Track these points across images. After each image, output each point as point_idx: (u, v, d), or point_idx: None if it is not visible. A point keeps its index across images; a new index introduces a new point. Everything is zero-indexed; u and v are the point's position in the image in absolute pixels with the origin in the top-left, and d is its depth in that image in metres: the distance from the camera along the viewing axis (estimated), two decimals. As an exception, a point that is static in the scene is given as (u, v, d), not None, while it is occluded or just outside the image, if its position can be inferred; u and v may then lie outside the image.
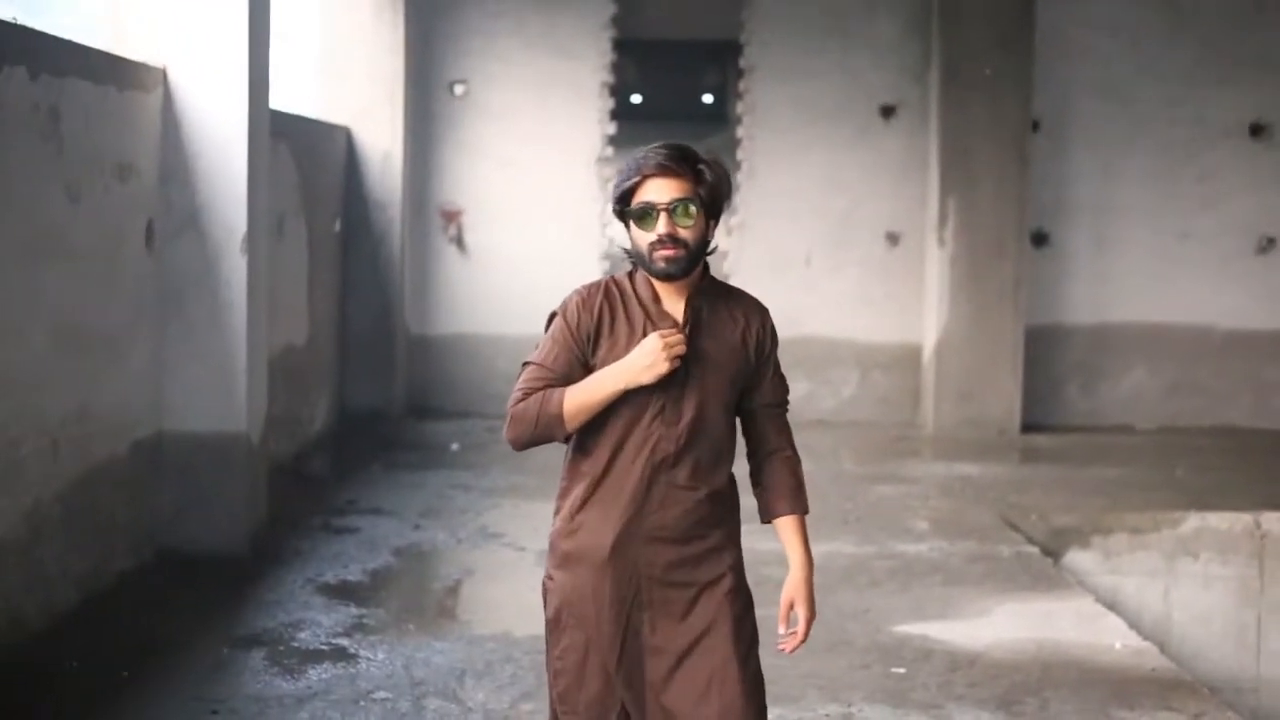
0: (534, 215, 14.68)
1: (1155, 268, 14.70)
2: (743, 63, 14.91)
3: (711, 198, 4.02)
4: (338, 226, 13.45)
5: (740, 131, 14.99)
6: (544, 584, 4.18)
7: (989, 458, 12.74)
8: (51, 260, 7.17)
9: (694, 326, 4.06)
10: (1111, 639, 7.76)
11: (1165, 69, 14.58)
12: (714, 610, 4.04)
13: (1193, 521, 10.72)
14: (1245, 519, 10.73)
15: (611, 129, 14.81)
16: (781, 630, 4.18)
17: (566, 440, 4.08)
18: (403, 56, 13.87)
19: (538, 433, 4.02)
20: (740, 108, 15.05)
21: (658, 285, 4.07)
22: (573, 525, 4.08)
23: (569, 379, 4.02)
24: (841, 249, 14.52)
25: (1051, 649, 7.51)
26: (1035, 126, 14.28)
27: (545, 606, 4.16)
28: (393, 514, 10.18)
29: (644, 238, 3.99)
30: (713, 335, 4.09)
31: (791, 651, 4.15)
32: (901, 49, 14.53)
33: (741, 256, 14.71)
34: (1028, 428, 14.05)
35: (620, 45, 14.87)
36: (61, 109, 7.17)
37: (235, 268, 8.71)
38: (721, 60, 28.86)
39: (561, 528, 4.12)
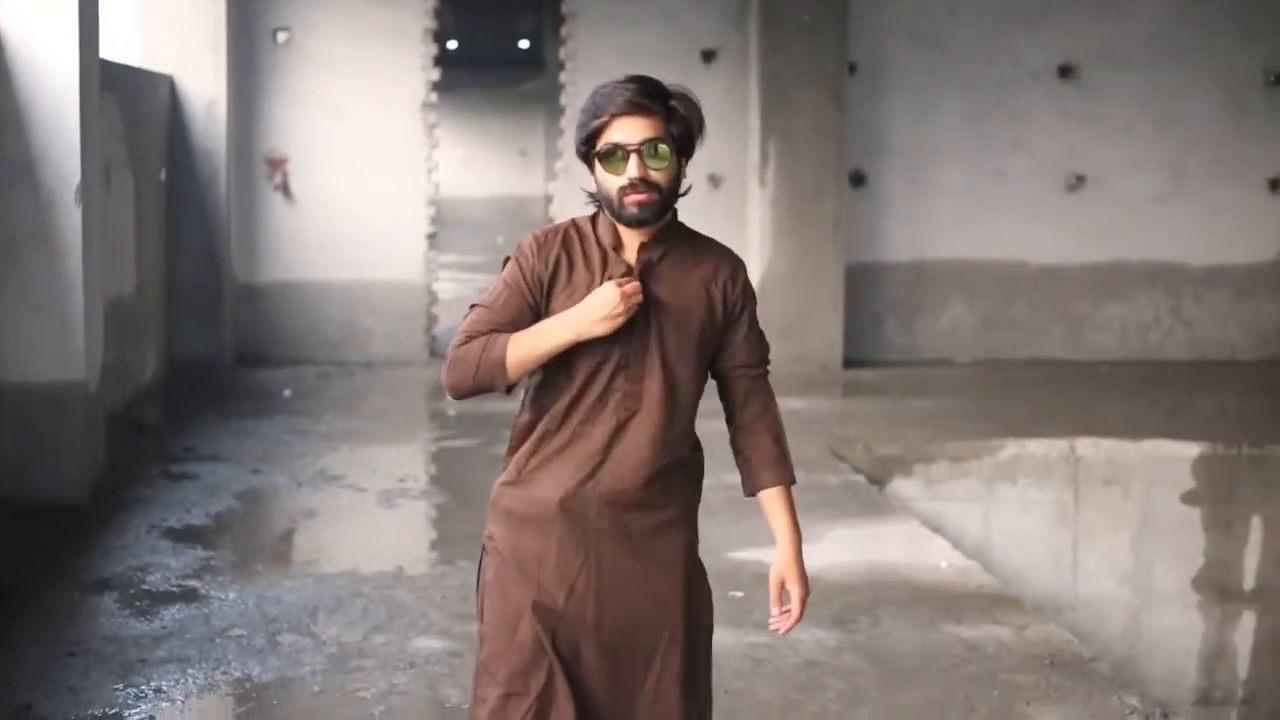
0: (360, 162, 14.72)
1: (969, 207, 15.12)
2: (564, 9, 15.05)
3: (684, 136, 3.74)
4: (163, 176, 13.40)
5: (563, 77, 15.15)
6: (483, 543, 3.91)
7: (814, 392, 13.06)
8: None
9: (647, 273, 3.78)
10: (938, 559, 8.13)
11: (977, 13, 14.98)
12: (664, 636, 3.81)
13: (1010, 449, 11.13)
14: (1060, 445, 11.17)
15: (435, 75, 14.88)
16: (774, 611, 3.92)
17: (507, 391, 3.78)
18: (224, 4, 13.84)
19: (478, 380, 3.74)
20: (562, 53, 15.20)
21: (622, 231, 3.79)
22: (519, 479, 3.82)
23: (517, 326, 3.75)
24: (665, 191, 14.72)
25: (882, 570, 7.84)
26: (852, 70, 14.61)
27: (481, 567, 3.91)
28: (231, 460, 10.25)
29: (612, 181, 3.71)
30: (674, 285, 3.81)
31: (786, 632, 3.96)
32: (721, -6, 14.78)
33: (565, 199, 14.89)
34: (850, 363, 14.40)
35: (438, -10, 14.94)
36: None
37: (70, 217, 8.73)
38: (537, 5, 28.84)
39: (507, 483, 3.85)
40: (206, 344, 13.93)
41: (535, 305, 3.77)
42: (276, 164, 14.68)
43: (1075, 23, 15.07)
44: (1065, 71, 15.10)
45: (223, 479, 9.69)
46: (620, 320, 3.66)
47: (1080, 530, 11.16)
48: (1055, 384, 13.77)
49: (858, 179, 14.93)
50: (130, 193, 11.99)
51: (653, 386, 3.77)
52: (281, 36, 14.60)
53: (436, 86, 14.91)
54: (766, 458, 3.91)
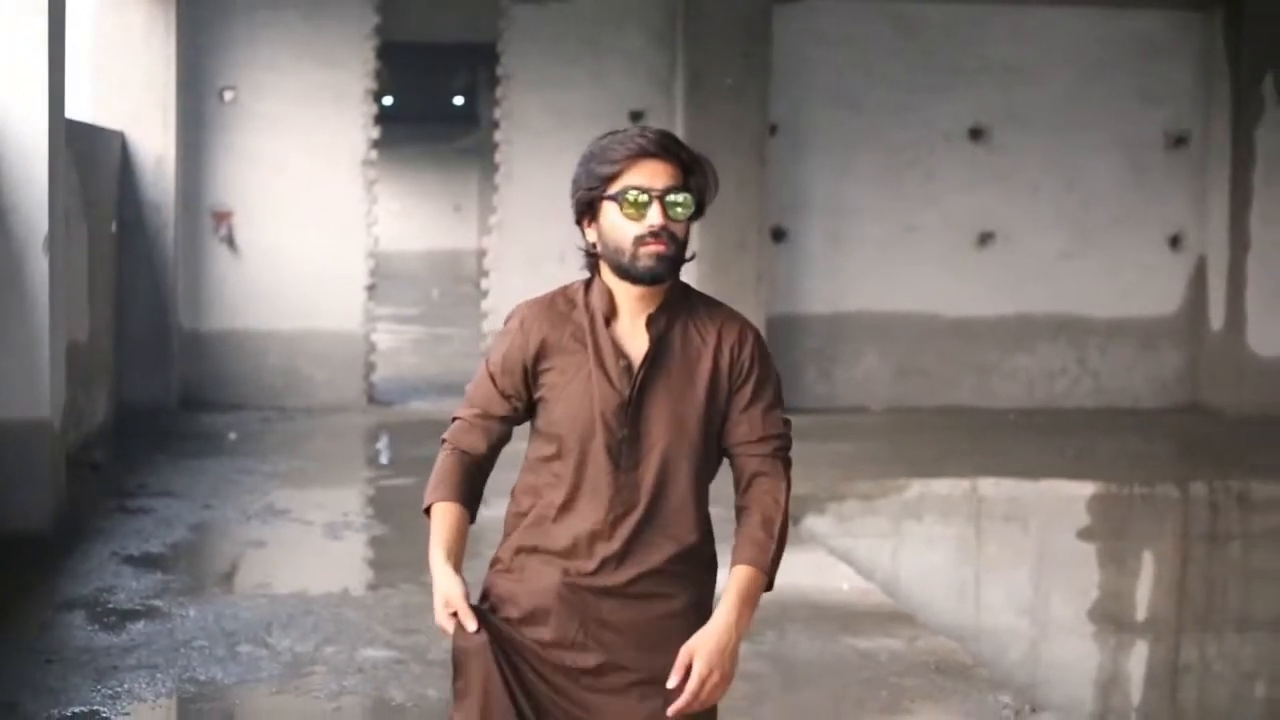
0: (302, 216, 15.34)
1: (885, 261, 15.84)
2: (500, 70, 15.72)
3: (700, 195, 3.53)
4: (114, 227, 14.01)
5: (498, 135, 15.80)
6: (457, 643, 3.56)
7: (734, 437, 13.65)
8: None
9: (657, 352, 3.55)
10: (840, 582, 8.85)
11: (891, 78, 15.74)
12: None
13: (916, 488, 11.82)
14: (963, 484, 11.87)
15: (375, 133, 15.54)
16: (671, 683, 3.47)
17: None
18: (174, 64, 14.47)
19: None
20: (498, 113, 15.86)
21: (619, 297, 3.54)
22: (509, 568, 3.64)
23: (489, 414, 3.62)
24: (595, 246, 15.39)
25: (788, 591, 8.50)
26: (773, 131, 15.34)
27: (455, 666, 3.58)
28: (182, 496, 10.86)
29: (628, 230, 3.45)
30: (679, 360, 3.56)
31: (674, 714, 3.51)
32: (649, 59, 15.49)
33: (501, 254, 15.53)
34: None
35: (377, 49, 15.62)
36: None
37: (38, 266, 9.35)
38: (471, 62, 29.47)
39: (499, 570, 3.66)
40: (154, 389, 14.51)
41: (516, 390, 3.59)
42: (222, 217, 15.29)
43: (985, 87, 15.85)
44: (975, 133, 15.88)
45: (176, 513, 10.30)
46: (445, 627, 3.49)
47: (982, 564, 11.83)
48: (963, 430, 14.44)
49: (779, 234, 15.65)
50: (84, 243, 12.59)
51: (647, 478, 3.55)
52: (228, 95, 15.23)
53: (375, 143, 15.58)
54: (747, 538, 3.58)
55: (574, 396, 3.53)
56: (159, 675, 6.85)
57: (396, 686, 6.76)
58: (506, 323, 3.65)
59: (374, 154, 15.54)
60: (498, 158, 15.79)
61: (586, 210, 3.53)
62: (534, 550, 3.58)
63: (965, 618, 11.74)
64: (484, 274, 15.88)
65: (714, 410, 3.58)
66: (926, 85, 15.82)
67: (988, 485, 11.90)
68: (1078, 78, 15.98)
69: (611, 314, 3.54)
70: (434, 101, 37.04)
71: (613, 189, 3.45)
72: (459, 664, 3.53)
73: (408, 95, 33.28)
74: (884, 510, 11.76)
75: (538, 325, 3.56)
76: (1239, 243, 15.56)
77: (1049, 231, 15.99)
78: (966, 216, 15.92)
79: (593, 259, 3.55)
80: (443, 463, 3.63)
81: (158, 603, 8.04)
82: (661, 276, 3.47)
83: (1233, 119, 15.57)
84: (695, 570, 3.63)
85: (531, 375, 3.57)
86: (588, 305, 3.55)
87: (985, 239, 15.95)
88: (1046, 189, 16.00)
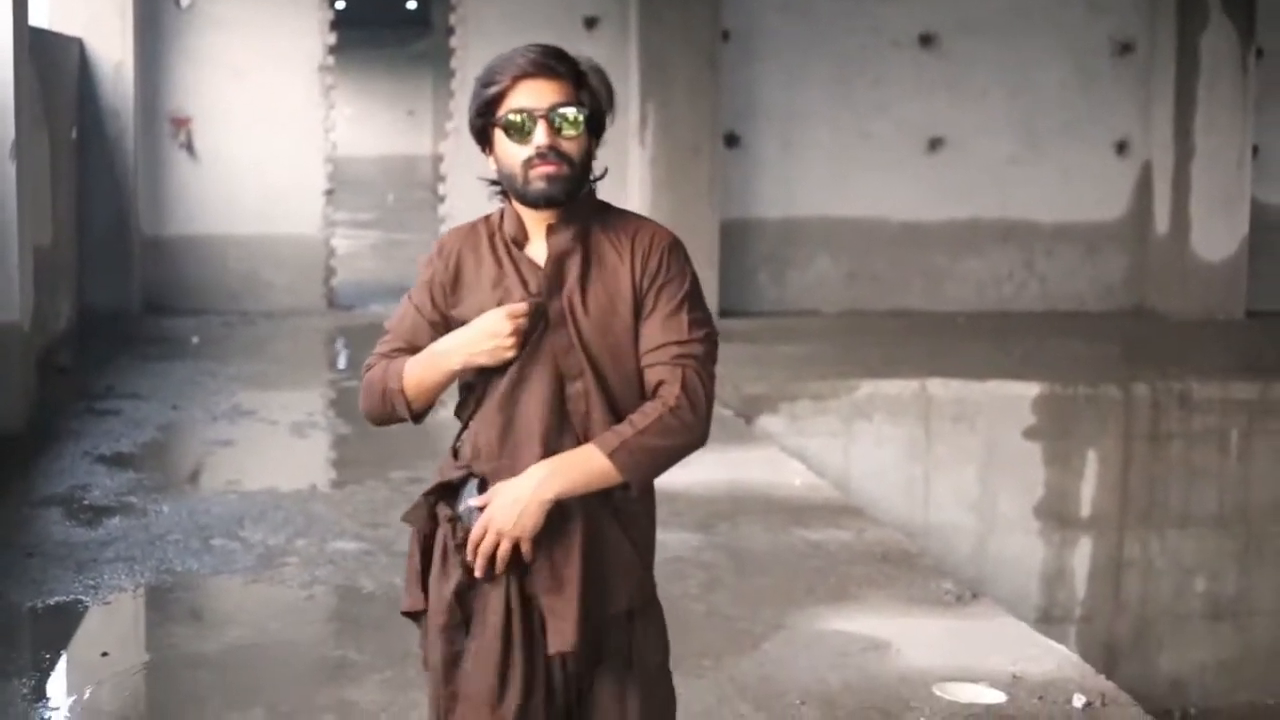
0: (260, 122, 15.48)
1: (836, 166, 16.05)
2: (451, -26, 15.87)
3: (595, 107, 3.37)
4: (74, 134, 14.13)
5: (454, 41, 15.92)
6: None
7: (689, 340, 13.89)
8: None
9: (559, 269, 3.36)
10: (792, 478, 9.15)
11: (842, -16, 15.94)
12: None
13: (867, 388, 12.08)
14: (913, 385, 12.14)
15: (331, 39, 15.66)
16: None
17: (416, 421, 3.48)
18: (131, -31, 14.58)
19: (385, 410, 3.46)
20: (453, 18, 15.96)
21: (528, 219, 3.38)
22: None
23: (416, 345, 3.43)
24: (550, 151, 15.55)
25: (742, 486, 8.85)
26: (726, 37, 15.49)
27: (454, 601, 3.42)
28: (149, 398, 11.08)
29: (516, 154, 3.31)
30: (593, 276, 3.37)
31: (472, 546, 3.30)
32: (603, -35, 15.65)
33: (457, 160, 15.68)
34: (723, 313, 15.20)
35: (326, -51, 15.73)
36: None
37: (4, 173, 9.53)
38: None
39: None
40: (116, 294, 14.69)
41: (441, 318, 3.43)
42: (180, 123, 15.42)
43: (934, -6, 16.06)
44: (925, 40, 16.06)
45: (144, 414, 10.52)
46: (508, 354, 3.31)
47: (930, 463, 12.12)
48: (913, 333, 14.68)
49: (731, 140, 15.83)
50: (45, 150, 12.72)
51: (591, 386, 3.34)
52: (185, 1, 15.31)
53: (331, 49, 15.69)
54: (613, 429, 3.30)
55: None
56: (136, 567, 7.11)
57: (366, 576, 7.03)
58: (428, 253, 3.52)
59: (330, 60, 15.66)
60: (453, 63, 15.90)
61: (482, 137, 3.39)
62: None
63: (915, 514, 12.02)
64: (440, 179, 16.04)
65: (636, 324, 3.37)
66: (877, -10, 15.99)
67: (936, 385, 12.16)
68: (1027, -16, 16.18)
69: (523, 238, 3.40)
70: (387, 4, 36.86)
71: (498, 114, 3.32)
72: (458, 602, 3.40)
73: (360, -1, 33.14)
74: (835, 410, 12.02)
75: (456, 251, 3.44)
76: (1184, 149, 15.83)
77: (998, 137, 16.21)
78: (916, 122, 16.11)
79: (498, 186, 3.41)
80: (380, 366, 3.47)
81: (132, 499, 8.29)
82: (556, 198, 3.31)
83: (1178, 27, 15.80)
84: (635, 505, 3.41)
85: (451, 300, 3.42)
86: (501, 230, 3.42)
87: (935, 144, 16.16)
88: (995, 95, 16.19)
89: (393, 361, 3.43)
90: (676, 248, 3.43)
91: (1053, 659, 6.14)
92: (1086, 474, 12.34)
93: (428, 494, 3.46)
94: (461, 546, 3.36)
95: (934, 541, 11.85)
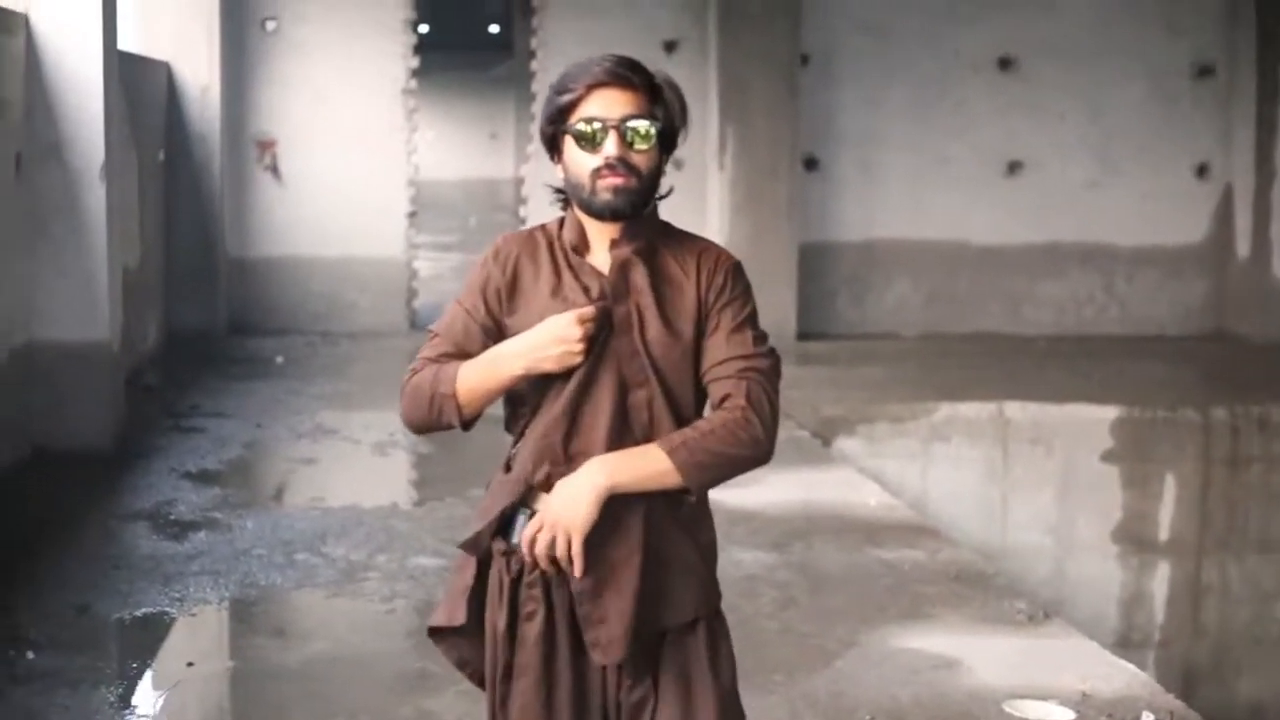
0: (344, 144, 15.71)
1: (915, 190, 16.10)
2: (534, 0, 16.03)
3: (668, 122, 3.30)
4: (161, 157, 14.37)
5: (534, 64, 16.10)
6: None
7: (767, 362, 13.97)
8: (-52, 187, 8.17)
9: (621, 279, 3.30)
10: (867, 498, 9.21)
11: (921, 7, 15.95)
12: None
13: (945, 411, 12.12)
14: (990, 408, 12.17)
15: (414, 62, 15.86)
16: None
17: (465, 428, 3.36)
18: (217, -5, 14.85)
19: (431, 416, 3.34)
20: (534, 42, 16.14)
21: (590, 230, 3.33)
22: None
23: (466, 350, 3.33)
24: (630, 174, 15.69)
25: (817, 506, 8.91)
26: (805, 61, 15.59)
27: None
28: (234, 416, 11.26)
29: (585, 163, 3.24)
30: (659, 291, 3.31)
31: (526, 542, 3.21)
32: (682, -11, 15.78)
33: (537, 182, 15.83)
34: (802, 336, 15.28)
35: (411, -25, 15.92)
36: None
37: (95, 194, 9.73)
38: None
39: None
40: (202, 314, 14.92)
41: (493, 324, 3.34)
42: (266, 146, 15.66)
43: (1013, 17, 16.06)
44: (1004, 63, 16.10)
45: (229, 432, 10.70)
46: (575, 359, 3.22)
47: (1008, 485, 12.15)
48: (992, 356, 14.67)
49: (810, 163, 15.91)
50: (134, 173, 12.97)
51: (641, 417, 3.27)
52: (270, 25, 15.57)
53: (414, 73, 15.89)
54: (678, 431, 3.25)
55: None
56: (221, 580, 7.26)
57: (445, 592, 7.14)
58: (483, 256, 3.43)
59: (413, 83, 15.86)
60: (534, 86, 16.08)
61: (552, 145, 3.33)
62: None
63: (992, 536, 12.04)
64: (522, 201, 16.20)
65: (698, 342, 3.32)
66: (955, 15, 16.01)
67: (1014, 409, 12.18)
68: (1105, 8, 16.16)
69: (584, 247, 3.33)
70: (469, 29, 37.18)
71: (569, 122, 3.26)
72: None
73: (443, 23, 33.43)
74: (913, 432, 12.05)
75: (515, 256, 3.35)
76: (1265, 172, 15.77)
77: (1076, 161, 16.21)
78: (995, 146, 16.15)
79: (562, 194, 3.36)
80: (427, 369, 3.36)
81: (217, 514, 8.45)
82: (621, 210, 3.25)
83: (1258, 50, 15.76)
84: (693, 517, 3.36)
85: (507, 307, 3.33)
86: (560, 239, 3.35)
87: (1014, 168, 16.19)
88: (1074, 118, 16.20)
89: (443, 367, 3.32)
90: (739, 269, 3.39)
91: (1123, 678, 6.18)
92: (1165, 498, 12.32)
93: (486, 528, 3.34)
94: (516, 581, 3.31)
95: (1012, 563, 11.84)
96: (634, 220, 3.29)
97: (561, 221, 3.37)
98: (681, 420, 3.28)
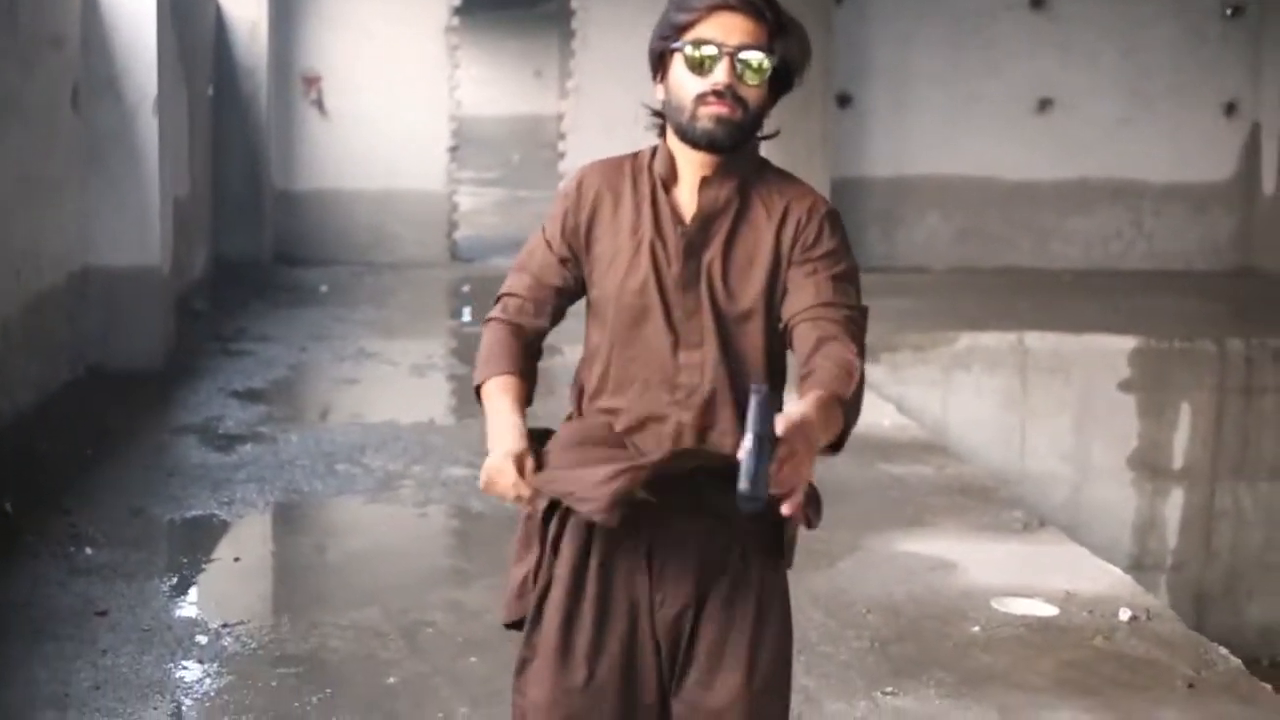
0: (387, 81, 16.11)
1: (946, 126, 16.41)
2: (576, -63, 16.35)
3: (785, 60, 3.12)
4: (210, 91, 14.80)
5: (575, 2, 16.41)
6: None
7: (797, 293, 14.34)
8: (10, 121, 8.59)
9: (703, 235, 3.12)
10: (882, 418, 9.62)
11: (954, -53, 16.27)
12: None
13: (965, 340, 12.44)
14: (1010, 338, 12.49)
15: (457, 1, 16.23)
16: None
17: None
18: (266, -67, 15.24)
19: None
20: (576, -20, 16.47)
21: (682, 161, 3.15)
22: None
23: (543, 283, 3.21)
24: (667, 110, 16.03)
25: (833, 425, 9.30)
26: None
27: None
28: (279, 340, 11.74)
29: (691, 86, 3.05)
30: (738, 244, 3.12)
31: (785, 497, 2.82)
32: (719, -71, 16.01)
33: (578, 119, 16.20)
34: (833, 268, 15.66)
35: (454, -85, 16.26)
36: (15, -10, 8.59)
37: (148, 126, 10.18)
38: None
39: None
40: (249, 244, 15.39)
41: (568, 254, 3.20)
42: (311, 81, 16.08)
43: (1045, -43, 16.35)
44: (1036, 2, 16.36)
45: (274, 354, 11.19)
46: (511, 494, 3.06)
47: (1026, 413, 12.49)
48: (1019, 289, 14.96)
49: (844, 100, 16.23)
50: (184, 106, 13.39)
51: (710, 357, 3.09)
52: (317, -36, 15.95)
53: (456, 10, 16.26)
54: (821, 378, 2.96)
55: (623, 266, 3.14)
56: (266, 487, 7.74)
57: (477, 499, 7.60)
58: (566, 184, 3.27)
59: (456, 20, 16.22)
60: (574, 24, 16.40)
61: (659, 63, 3.12)
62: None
63: (1010, 462, 12.35)
64: (561, 137, 16.55)
65: (776, 289, 3.11)
66: (989, -46, 16.31)
67: (1033, 338, 12.48)
68: (1137, -53, 16.43)
69: (672, 179, 3.15)
70: (514, -33, 37.25)
71: (682, 40, 3.04)
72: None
73: (488, -40, 33.51)
74: (934, 360, 12.38)
75: (596, 189, 3.19)
76: (1291, 110, 16.05)
77: (1107, 98, 16.48)
78: (1026, 83, 16.43)
79: (659, 117, 3.17)
80: (492, 335, 3.23)
81: (263, 429, 8.93)
82: (720, 142, 3.04)
83: (1285, -11, 16.01)
84: None
85: (585, 240, 3.18)
86: (650, 169, 3.17)
87: (1044, 105, 16.47)
88: (1105, 57, 16.46)
89: (492, 353, 3.19)
90: (835, 218, 3.20)
91: (1107, 579, 6.60)
92: (1180, 426, 12.59)
93: (680, 453, 3.05)
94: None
95: (1029, 489, 12.15)
96: (730, 156, 3.11)
97: (654, 151, 3.20)
98: (737, 383, 3.09)
